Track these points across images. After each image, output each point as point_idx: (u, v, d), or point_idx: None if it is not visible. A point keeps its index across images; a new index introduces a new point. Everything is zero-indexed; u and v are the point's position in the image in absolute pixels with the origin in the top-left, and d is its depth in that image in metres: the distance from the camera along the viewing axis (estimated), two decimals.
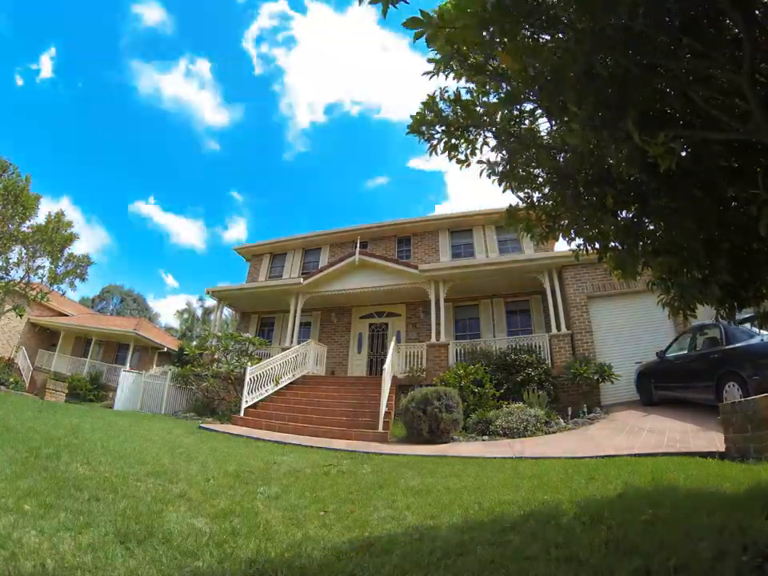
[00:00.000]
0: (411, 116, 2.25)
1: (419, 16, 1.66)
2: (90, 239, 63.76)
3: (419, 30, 1.62)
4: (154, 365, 19.67)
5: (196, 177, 76.41)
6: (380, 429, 7.50)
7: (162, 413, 11.56)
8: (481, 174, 2.48)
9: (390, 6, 1.53)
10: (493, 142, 2.28)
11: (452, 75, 1.97)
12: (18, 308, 13.44)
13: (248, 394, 9.15)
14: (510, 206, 2.78)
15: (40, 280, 14.18)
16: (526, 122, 2.22)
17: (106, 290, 43.41)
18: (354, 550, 2.15)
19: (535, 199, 2.60)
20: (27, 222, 13.37)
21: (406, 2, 1.54)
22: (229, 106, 76.25)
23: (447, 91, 2.20)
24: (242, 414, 8.86)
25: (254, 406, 9.24)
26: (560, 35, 1.69)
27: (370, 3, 1.51)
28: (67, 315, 21.69)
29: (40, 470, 3.23)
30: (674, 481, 3.19)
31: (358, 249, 12.29)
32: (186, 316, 31.97)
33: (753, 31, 1.53)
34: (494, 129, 2.20)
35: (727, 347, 5.74)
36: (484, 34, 1.65)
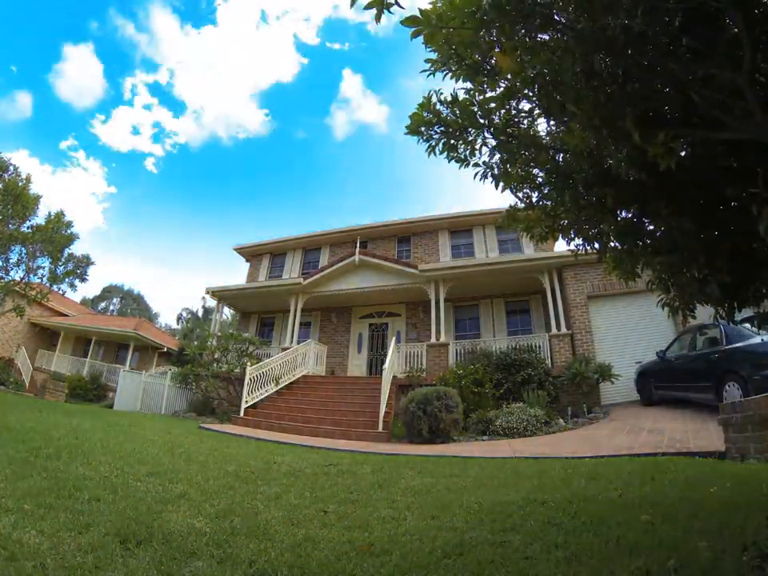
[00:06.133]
0: (409, 116, 2.24)
1: (418, 15, 1.66)
2: None
3: (417, 29, 1.62)
4: (154, 365, 19.65)
5: None
6: (380, 429, 7.51)
7: (162, 413, 11.57)
8: (475, 176, 2.43)
9: (385, 10, 1.53)
10: (492, 143, 2.27)
11: (449, 75, 1.97)
12: (18, 308, 13.45)
13: (248, 394, 9.17)
14: (510, 206, 2.78)
15: (40, 280, 14.20)
16: (525, 121, 2.21)
17: (107, 290, 43.45)
18: (354, 549, 2.15)
19: (534, 199, 2.59)
20: (27, 222, 13.39)
21: (401, 7, 1.54)
22: None
23: (442, 93, 2.19)
24: (241, 414, 8.87)
25: (254, 406, 9.25)
26: (558, 35, 1.68)
27: (364, 8, 1.51)
28: (67, 315, 21.70)
29: (40, 470, 3.22)
30: (674, 481, 3.19)
31: (357, 249, 12.30)
32: (189, 323, 31.82)
33: (753, 31, 1.53)
34: (492, 129, 2.19)
35: (727, 347, 5.74)
36: (481, 33, 1.65)
